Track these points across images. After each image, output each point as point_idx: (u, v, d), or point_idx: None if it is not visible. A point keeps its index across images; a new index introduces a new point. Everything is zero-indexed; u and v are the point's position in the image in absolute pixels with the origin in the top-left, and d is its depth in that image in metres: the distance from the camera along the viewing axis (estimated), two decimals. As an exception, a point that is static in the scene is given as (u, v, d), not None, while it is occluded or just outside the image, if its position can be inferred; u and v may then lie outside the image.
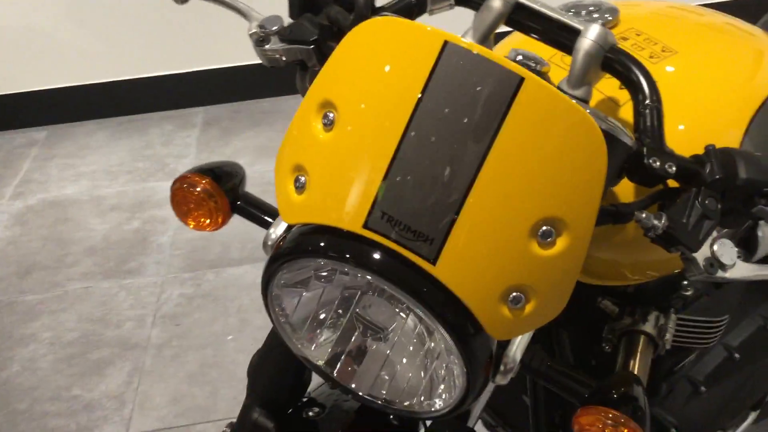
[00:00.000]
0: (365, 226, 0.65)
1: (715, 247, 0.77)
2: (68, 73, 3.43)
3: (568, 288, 0.69)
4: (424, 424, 0.98)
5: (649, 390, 1.24)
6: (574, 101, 0.67)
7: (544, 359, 0.80)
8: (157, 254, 2.56)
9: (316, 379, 1.06)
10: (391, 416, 1.01)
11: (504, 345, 0.76)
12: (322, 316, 0.76)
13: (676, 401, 1.25)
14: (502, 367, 0.75)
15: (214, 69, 3.47)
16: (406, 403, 0.78)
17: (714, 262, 0.77)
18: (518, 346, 0.75)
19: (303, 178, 0.69)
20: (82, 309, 2.35)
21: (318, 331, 0.77)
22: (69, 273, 2.51)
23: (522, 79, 0.64)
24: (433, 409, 0.76)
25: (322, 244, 0.68)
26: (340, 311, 0.75)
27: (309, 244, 0.68)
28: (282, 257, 0.70)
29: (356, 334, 0.75)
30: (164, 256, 2.55)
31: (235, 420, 1.04)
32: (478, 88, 0.64)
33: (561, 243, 0.65)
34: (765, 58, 1.06)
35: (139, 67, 3.44)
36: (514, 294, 0.66)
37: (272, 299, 0.75)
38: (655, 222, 0.74)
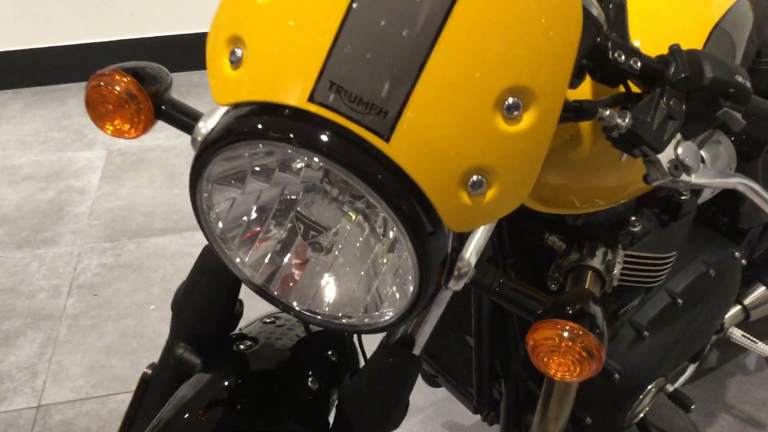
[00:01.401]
0: (311, 99, 0.58)
1: (680, 150, 0.73)
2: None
3: (532, 173, 0.63)
4: (365, 356, 0.91)
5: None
6: None
7: (496, 276, 0.74)
8: (74, 224, 2.42)
9: (248, 316, 0.98)
10: (330, 352, 0.95)
11: (458, 250, 0.70)
12: (257, 223, 0.69)
13: (620, 346, 1.22)
14: (456, 272, 0.68)
15: (141, 38, 3.33)
16: (349, 319, 0.71)
17: (678, 165, 0.73)
18: (473, 249, 0.69)
19: (240, 51, 0.62)
20: (-10, 279, 2.19)
21: (254, 239, 0.69)
22: (-22, 245, 2.34)
23: None
24: (378, 321, 0.69)
25: (260, 125, 0.60)
26: (279, 214, 0.68)
27: (246, 126, 0.61)
28: (215, 143, 0.62)
29: (297, 240, 0.68)
30: (81, 225, 2.41)
31: (156, 361, 0.96)
32: None
33: (528, 118, 0.59)
34: None
35: (59, 34, 3.27)
36: (475, 177, 0.60)
37: (202, 200, 0.67)
38: (619, 120, 0.70)
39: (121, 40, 3.33)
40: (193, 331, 0.90)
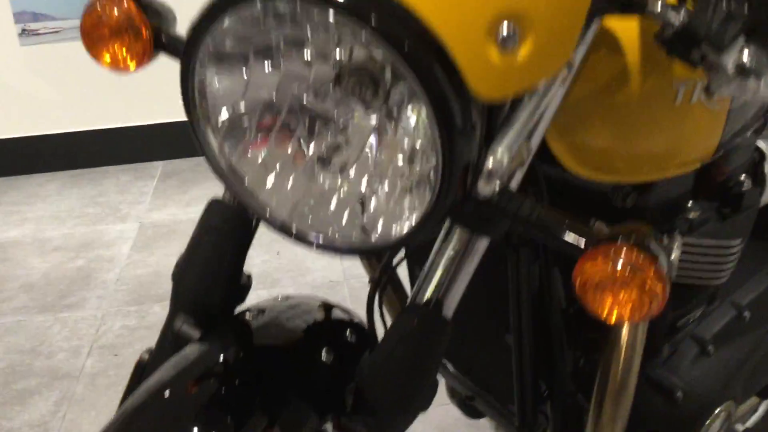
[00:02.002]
0: None
1: (745, 53, 0.63)
2: (19, 123, 3.29)
3: (573, 27, 0.54)
4: (385, 325, 0.80)
5: (649, 350, 1.07)
6: None
7: (535, 207, 0.64)
8: (101, 290, 2.35)
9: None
10: (348, 331, 0.84)
11: (487, 144, 0.60)
12: (262, 122, 0.60)
13: (682, 362, 1.08)
14: (485, 171, 0.58)
15: (177, 122, 3.36)
16: (365, 236, 0.61)
17: (745, 67, 0.63)
18: (505, 146, 0.59)
19: None
20: (10, 341, 2.11)
21: (253, 135, 0.61)
22: (1, 307, 2.28)
23: None
24: (394, 234, 0.59)
25: None
26: (281, 106, 0.59)
27: None
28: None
29: (298, 140, 0.60)
30: (108, 290, 2.34)
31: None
32: None
33: None
34: None
35: (96, 118, 3.32)
36: (506, 28, 0.51)
37: (195, 84, 0.59)
38: (673, 14, 0.61)
39: (158, 124, 3.37)
40: (195, 302, 0.80)
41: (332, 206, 0.63)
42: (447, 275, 0.72)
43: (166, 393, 0.70)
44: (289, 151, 0.61)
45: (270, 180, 0.63)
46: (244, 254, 0.81)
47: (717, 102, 0.82)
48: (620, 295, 0.61)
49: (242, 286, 0.82)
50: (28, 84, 3.24)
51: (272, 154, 0.61)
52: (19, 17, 3.11)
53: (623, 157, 0.85)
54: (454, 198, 0.57)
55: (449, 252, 0.71)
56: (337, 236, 0.63)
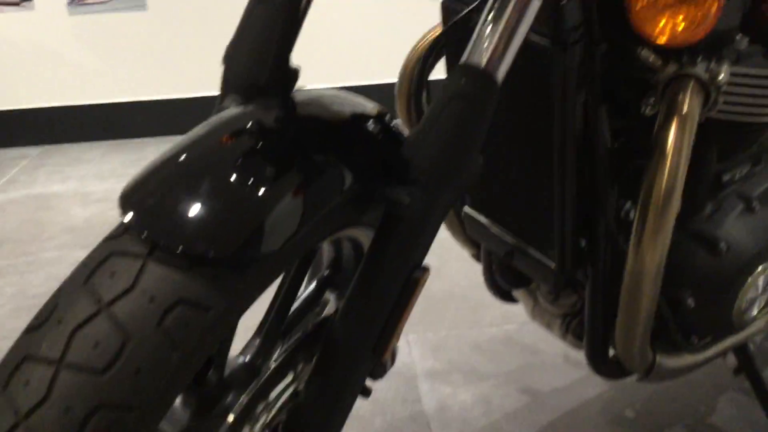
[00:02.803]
0: None
1: None
2: (65, 92, 3.38)
3: None
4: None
5: (693, 206, 1.06)
6: None
7: None
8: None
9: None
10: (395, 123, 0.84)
11: None
12: None
13: (726, 218, 1.07)
14: None
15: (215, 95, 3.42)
16: None
17: None
18: None
19: None
20: (51, 271, 2.16)
21: None
22: (43, 245, 2.33)
23: None
24: None
25: None
26: None
27: None
28: None
29: None
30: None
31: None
32: None
33: None
34: None
35: (141, 89, 3.40)
36: None
37: None
38: None
39: (203, 96, 3.43)
40: (244, 83, 0.81)
41: None
42: (500, 39, 0.73)
43: (199, 145, 0.70)
44: None
45: None
46: (293, 38, 0.83)
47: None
48: (674, 14, 0.62)
49: (291, 71, 0.83)
50: (75, 54, 3.32)
51: None
52: (68, -14, 3.21)
53: None
54: None
55: (504, 16, 0.73)
56: None
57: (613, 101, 0.97)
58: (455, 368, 1.63)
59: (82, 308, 0.60)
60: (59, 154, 3.25)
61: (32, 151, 3.29)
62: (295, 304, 0.96)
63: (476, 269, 1.32)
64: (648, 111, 0.95)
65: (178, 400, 0.83)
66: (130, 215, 0.65)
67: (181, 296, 0.60)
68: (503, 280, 1.21)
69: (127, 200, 0.67)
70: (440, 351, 1.70)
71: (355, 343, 0.83)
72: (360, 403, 1.53)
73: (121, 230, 0.66)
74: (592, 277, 1.05)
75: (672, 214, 0.91)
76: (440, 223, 0.80)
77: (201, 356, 0.62)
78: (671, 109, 0.91)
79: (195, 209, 0.63)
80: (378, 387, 1.57)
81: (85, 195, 2.75)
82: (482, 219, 1.14)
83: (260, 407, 0.84)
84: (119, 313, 0.59)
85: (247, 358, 0.87)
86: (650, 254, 0.92)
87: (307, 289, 0.99)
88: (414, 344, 1.72)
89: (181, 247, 0.61)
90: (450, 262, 2.05)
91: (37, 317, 0.64)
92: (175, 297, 0.60)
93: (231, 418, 0.80)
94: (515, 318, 1.77)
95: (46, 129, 3.37)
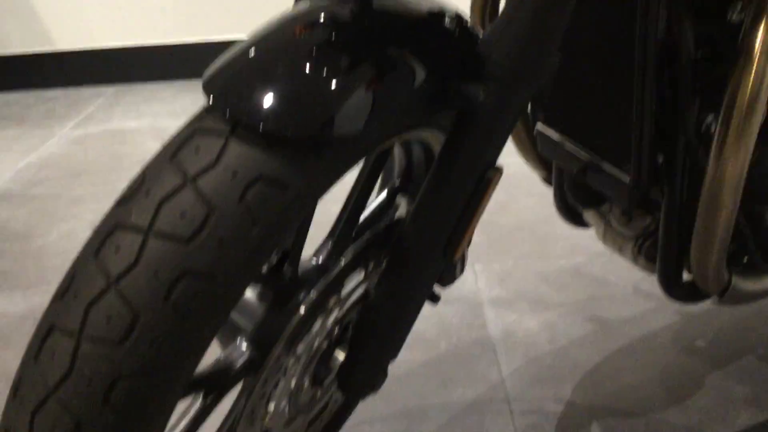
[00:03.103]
0: None
1: None
2: (139, 32, 3.43)
3: None
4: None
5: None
6: None
7: None
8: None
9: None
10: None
11: None
12: None
13: None
14: None
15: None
16: None
17: None
18: None
19: None
20: (128, 199, 2.22)
21: None
22: (121, 175, 2.40)
23: None
24: None
25: None
26: None
27: None
28: None
29: None
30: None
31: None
32: None
33: None
34: None
35: (212, 30, 3.43)
36: None
37: None
38: None
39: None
40: None
41: None
42: None
43: (277, 34, 0.71)
44: None
45: None
46: None
47: None
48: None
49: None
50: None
51: None
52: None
53: None
54: None
55: None
56: None
57: (698, 8, 0.94)
58: (521, 297, 1.63)
59: (169, 181, 0.62)
60: (133, 92, 3.32)
61: (107, 90, 3.37)
62: (366, 212, 0.98)
63: (544, 204, 1.31)
64: (734, 17, 0.92)
65: (253, 295, 0.85)
66: (212, 97, 0.67)
67: (262, 172, 0.62)
68: (575, 200, 1.20)
69: (209, 84, 0.69)
70: (507, 280, 1.70)
71: (426, 243, 0.83)
72: (425, 326, 1.56)
73: (205, 112, 0.68)
74: (669, 193, 1.02)
75: (756, 122, 0.88)
76: (515, 122, 0.80)
77: (279, 234, 0.64)
78: (759, 14, 0.88)
79: (274, 91, 0.65)
80: (443, 311, 1.61)
81: (160, 130, 2.82)
82: (555, 136, 1.13)
83: (332, 301, 0.86)
84: (204, 186, 0.61)
85: (320, 259, 0.89)
86: (731, 164, 0.89)
87: (378, 198, 1.00)
88: (480, 273, 1.72)
89: (261, 125, 0.63)
90: (518, 197, 2.04)
91: (126, 191, 0.67)
92: (256, 173, 0.62)
93: (302, 310, 0.82)
94: (584, 250, 1.76)
95: (120, 68, 3.45)
